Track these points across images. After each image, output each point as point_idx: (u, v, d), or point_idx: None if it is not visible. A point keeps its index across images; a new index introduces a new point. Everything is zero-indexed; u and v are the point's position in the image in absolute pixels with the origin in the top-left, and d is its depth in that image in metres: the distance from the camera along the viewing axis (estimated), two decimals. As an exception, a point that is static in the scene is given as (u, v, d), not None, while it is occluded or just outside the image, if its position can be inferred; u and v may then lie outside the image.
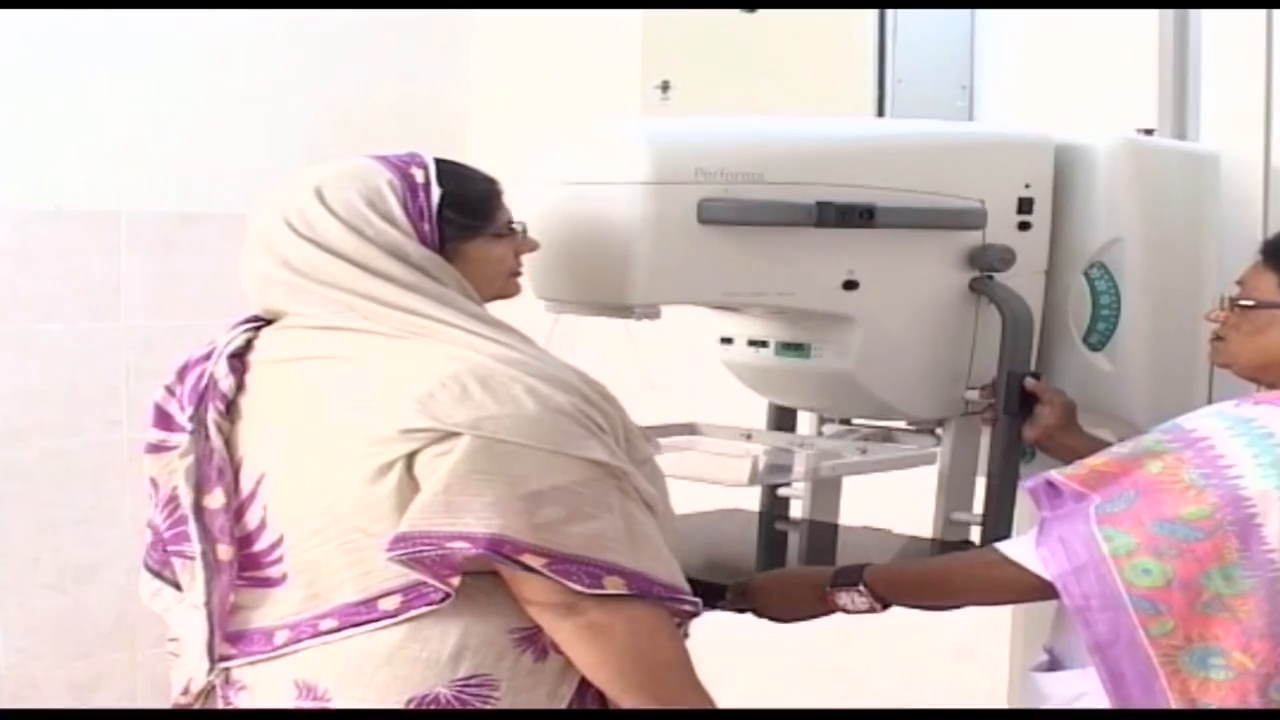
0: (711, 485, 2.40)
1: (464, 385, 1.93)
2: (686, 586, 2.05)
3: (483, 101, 4.65)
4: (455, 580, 1.95)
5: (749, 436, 2.63)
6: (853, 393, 2.51)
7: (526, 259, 2.18)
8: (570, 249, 2.26)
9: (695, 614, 2.07)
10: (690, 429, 2.64)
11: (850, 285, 2.40)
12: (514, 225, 2.15)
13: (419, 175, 2.07)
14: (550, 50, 4.41)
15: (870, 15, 3.47)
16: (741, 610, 2.33)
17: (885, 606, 2.28)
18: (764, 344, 2.54)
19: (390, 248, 2.03)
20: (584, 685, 2.04)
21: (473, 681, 1.98)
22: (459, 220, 2.08)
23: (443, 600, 1.96)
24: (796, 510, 2.76)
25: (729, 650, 3.69)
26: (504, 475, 1.91)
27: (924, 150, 2.50)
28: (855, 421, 2.70)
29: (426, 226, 2.05)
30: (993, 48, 3.47)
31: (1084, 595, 2.09)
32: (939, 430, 2.62)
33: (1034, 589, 2.16)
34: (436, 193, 2.07)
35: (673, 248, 2.24)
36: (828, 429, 2.71)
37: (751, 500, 2.78)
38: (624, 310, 2.27)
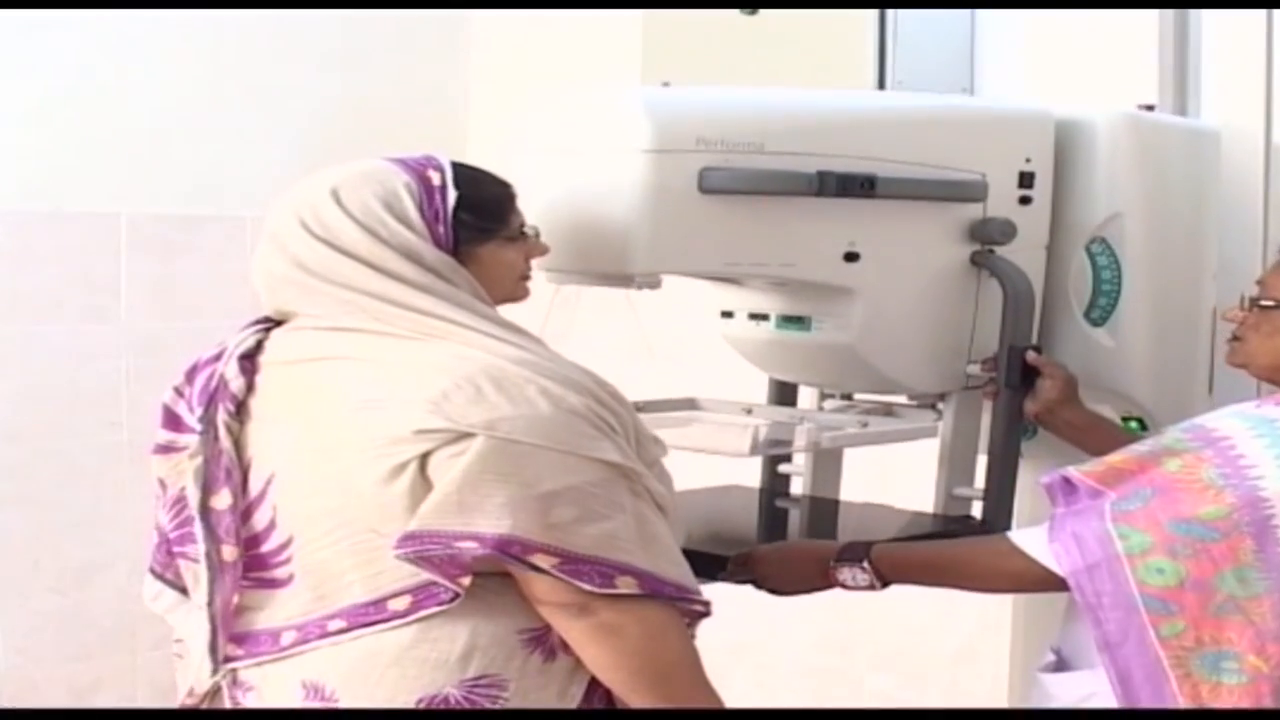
0: (712, 461, 2.40)
1: (478, 386, 1.93)
2: (697, 587, 2.04)
3: (483, 103, 4.66)
4: (465, 580, 1.94)
5: (749, 411, 2.62)
6: (854, 366, 2.50)
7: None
8: (571, 218, 2.25)
9: (705, 614, 2.06)
10: (691, 404, 2.64)
11: (851, 257, 2.39)
12: (526, 229, 2.15)
13: (435, 178, 2.07)
14: (550, 51, 4.42)
15: (870, 15, 3.47)
16: (742, 581, 2.32)
17: (885, 585, 2.27)
18: (764, 317, 2.53)
19: (404, 249, 2.02)
20: (593, 685, 2.03)
21: (482, 682, 1.97)
22: (473, 223, 2.07)
23: (452, 600, 1.95)
24: (797, 487, 2.76)
25: (731, 650, 3.68)
26: (518, 476, 1.91)
27: (925, 122, 2.50)
28: (856, 396, 2.70)
29: (441, 229, 2.05)
30: (993, 48, 3.48)
31: (1096, 593, 2.07)
32: (940, 405, 2.61)
33: (1042, 581, 2.14)
34: (453, 195, 2.06)
35: (673, 217, 2.23)
36: (828, 404, 2.71)
37: (752, 477, 2.78)
38: (625, 279, 2.27)
